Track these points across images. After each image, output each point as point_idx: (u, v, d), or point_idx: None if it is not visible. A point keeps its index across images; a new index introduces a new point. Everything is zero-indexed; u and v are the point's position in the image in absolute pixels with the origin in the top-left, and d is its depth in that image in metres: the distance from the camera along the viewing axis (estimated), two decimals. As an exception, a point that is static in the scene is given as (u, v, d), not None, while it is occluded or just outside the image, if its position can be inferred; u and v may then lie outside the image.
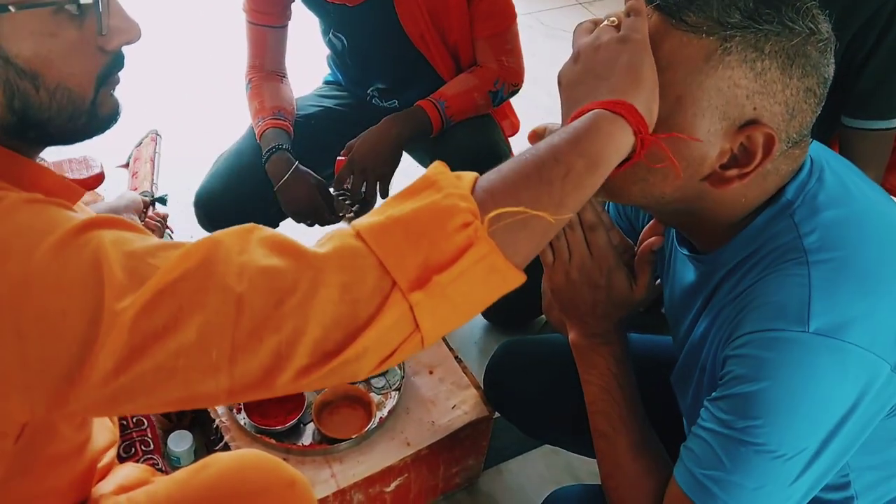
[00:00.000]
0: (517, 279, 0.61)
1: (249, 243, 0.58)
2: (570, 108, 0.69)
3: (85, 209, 1.05)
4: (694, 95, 0.70)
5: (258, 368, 0.56)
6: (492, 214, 0.58)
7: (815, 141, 0.82)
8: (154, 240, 0.60)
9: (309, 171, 1.52)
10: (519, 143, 1.64)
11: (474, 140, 1.52)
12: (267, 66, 1.62)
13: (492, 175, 0.62)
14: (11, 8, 0.60)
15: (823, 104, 0.74)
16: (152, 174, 1.38)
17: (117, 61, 0.70)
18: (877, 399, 0.70)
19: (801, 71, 0.69)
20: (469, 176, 0.62)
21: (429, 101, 1.51)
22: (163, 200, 1.35)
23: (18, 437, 0.66)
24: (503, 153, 1.54)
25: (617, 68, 0.67)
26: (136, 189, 1.33)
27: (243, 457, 0.89)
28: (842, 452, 0.72)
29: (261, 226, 0.61)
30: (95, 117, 0.70)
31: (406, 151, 1.71)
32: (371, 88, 1.66)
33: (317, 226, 1.61)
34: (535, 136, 0.85)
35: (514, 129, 1.73)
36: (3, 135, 0.66)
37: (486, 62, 1.55)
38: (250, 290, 0.55)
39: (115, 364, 0.55)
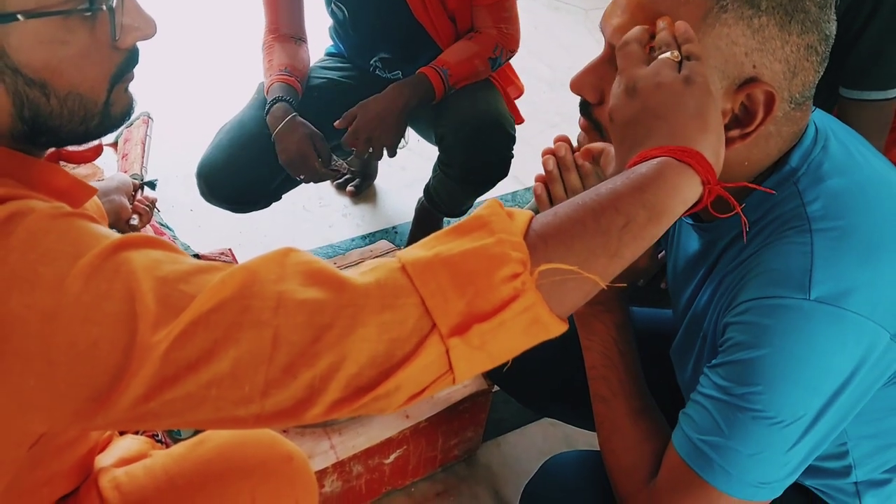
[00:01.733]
0: (560, 329, 0.59)
1: (286, 269, 0.56)
2: (627, 148, 0.65)
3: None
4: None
5: (290, 400, 0.55)
6: (542, 269, 0.56)
7: (819, 109, 0.81)
8: (185, 262, 0.58)
9: (306, 122, 1.51)
10: (523, 105, 1.64)
11: (477, 109, 1.51)
12: (283, 29, 1.61)
13: (548, 217, 0.60)
14: (20, 17, 0.58)
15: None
16: (142, 157, 1.37)
17: (132, 58, 0.68)
18: (875, 367, 0.70)
19: (800, 27, 0.68)
20: (523, 217, 0.60)
21: (431, 68, 1.50)
22: (152, 185, 1.34)
23: (34, 445, 0.65)
24: (506, 122, 1.53)
25: (681, 111, 0.63)
26: (126, 171, 1.32)
27: (241, 431, 0.88)
28: (839, 420, 0.72)
29: (296, 249, 0.59)
30: (108, 117, 0.67)
31: (412, 127, 1.70)
32: (374, 59, 1.65)
33: (319, 200, 1.60)
34: (589, 154, 0.84)
35: (520, 91, 1.72)
36: (13, 141, 0.63)
37: (485, 28, 1.54)
38: (286, 325, 0.54)
39: (145, 391, 0.54)
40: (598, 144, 0.83)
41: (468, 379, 0.59)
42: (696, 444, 0.75)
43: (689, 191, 0.61)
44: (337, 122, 1.49)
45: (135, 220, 1.22)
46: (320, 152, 1.49)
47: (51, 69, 0.61)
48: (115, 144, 1.44)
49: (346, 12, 1.58)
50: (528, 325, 0.57)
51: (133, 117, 1.49)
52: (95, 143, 1.41)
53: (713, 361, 0.76)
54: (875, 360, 0.70)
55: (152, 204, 1.30)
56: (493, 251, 0.56)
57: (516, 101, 1.72)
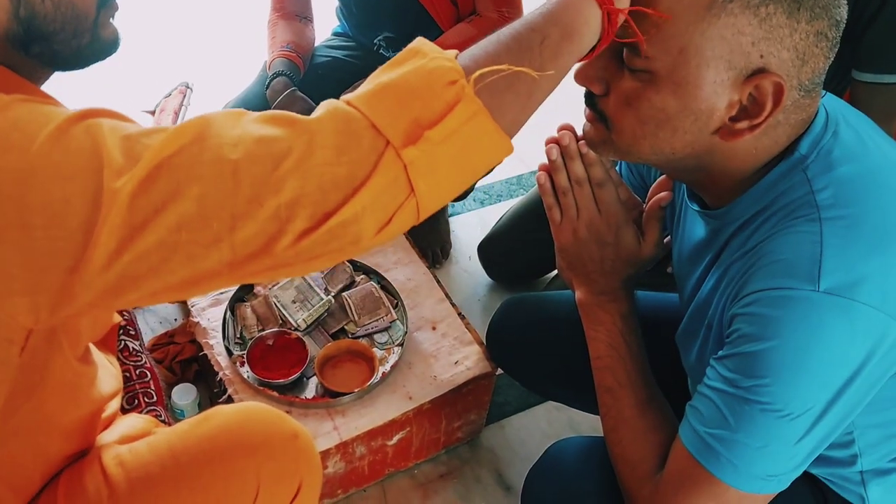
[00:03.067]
0: (506, 145, 0.63)
1: (241, 119, 0.59)
2: None
3: None
4: (697, 46, 0.68)
5: (258, 234, 0.57)
6: (476, 74, 0.60)
7: (829, 94, 0.80)
8: (148, 126, 0.60)
9: (305, 97, 1.51)
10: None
11: None
12: (288, 7, 1.61)
13: (472, 49, 0.65)
14: None
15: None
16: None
17: None
18: (885, 359, 0.69)
19: (809, 14, 0.67)
20: (451, 51, 0.64)
21: None
22: None
23: (24, 348, 0.67)
24: None
25: None
26: None
27: (246, 409, 0.89)
28: (848, 412, 0.72)
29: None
30: (98, 39, 0.69)
31: None
32: (378, 38, 1.63)
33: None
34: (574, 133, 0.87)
35: None
36: (8, 46, 0.65)
37: (486, 12, 1.53)
38: (246, 157, 0.56)
39: (117, 243, 0.55)
40: (586, 126, 0.82)
41: (432, 209, 0.62)
42: (702, 437, 0.74)
43: (589, 10, 0.66)
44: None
45: None
46: None
47: None
48: (153, 112, 1.43)
49: None
50: (477, 137, 0.61)
51: (172, 87, 1.48)
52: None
53: (720, 353, 0.75)
54: (885, 352, 0.69)
55: None
56: (429, 66, 0.61)
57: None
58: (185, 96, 1.42)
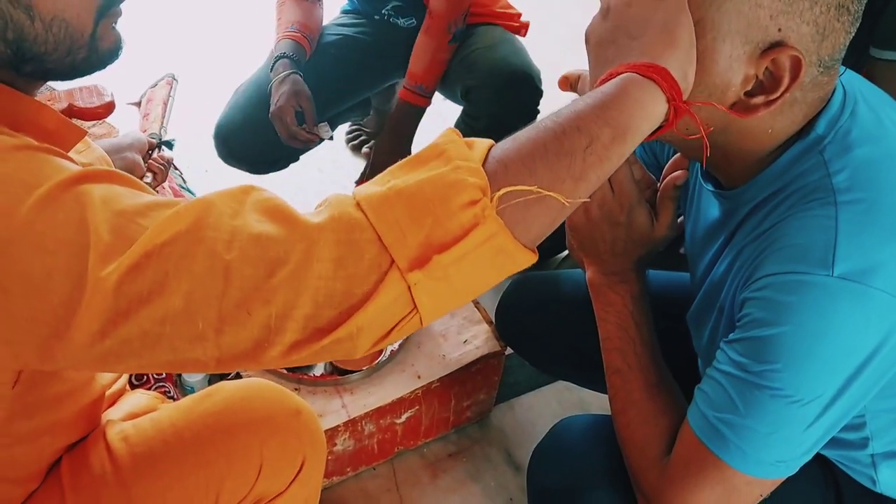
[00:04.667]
0: (528, 259, 0.57)
1: (244, 206, 0.55)
2: (599, 69, 0.63)
3: (91, 145, 1.04)
4: (713, 19, 0.65)
5: (247, 340, 0.54)
6: (501, 192, 0.54)
7: (849, 70, 0.78)
8: (147, 197, 0.56)
9: (299, 80, 1.49)
10: (541, 66, 1.61)
11: (506, 61, 1.49)
12: None
13: (507, 143, 0.57)
14: None
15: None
16: (163, 117, 1.36)
17: None
18: None
19: None
20: (482, 145, 0.57)
21: (407, 90, 1.53)
22: (169, 144, 1.33)
23: (15, 383, 0.65)
24: (535, 74, 1.52)
25: (650, 27, 0.61)
26: (145, 131, 1.31)
27: (249, 385, 0.89)
28: (859, 398, 0.70)
29: (258, 186, 0.58)
30: (96, 52, 0.66)
31: (438, 90, 1.67)
32: (386, 7, 1.62)
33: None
34: (566, 82, 0.81)
35: (526, 27, 1.70)
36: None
37: (436, 6, 1.50)
38: (240, 258, 0.53)
39: (99, 327, 0.53)
40: (575, 71, 0.80)
41: (437, 318, 0.57)
42: (711, 421, 0.73)
43: (653, 107, 0.58)
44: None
45: (148, 178, 1.22)
46: (303, 113, 1.48)
47: None
48: (138, 104, 1.43)
49: None
50: (494, 256, 0.55)
51: (158, 78, 1.48)
52: (107, 98, 1.41)
53: (731, 336, 0.74)
54: None
55: (168, 163, 1.29)
56: (449, 178, 0.54)
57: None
58: (171, 87, 1.41)
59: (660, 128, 0.60)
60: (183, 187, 1.52)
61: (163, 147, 1.30)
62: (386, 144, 1.54)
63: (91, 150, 1.04)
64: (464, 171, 0.55)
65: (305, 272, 0.53)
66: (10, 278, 0.52)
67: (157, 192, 1.32)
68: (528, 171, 0.55)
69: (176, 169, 1.51)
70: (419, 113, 1.55)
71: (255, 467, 0.83)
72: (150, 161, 1.24)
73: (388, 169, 0.58)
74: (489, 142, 0.58)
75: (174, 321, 0.53)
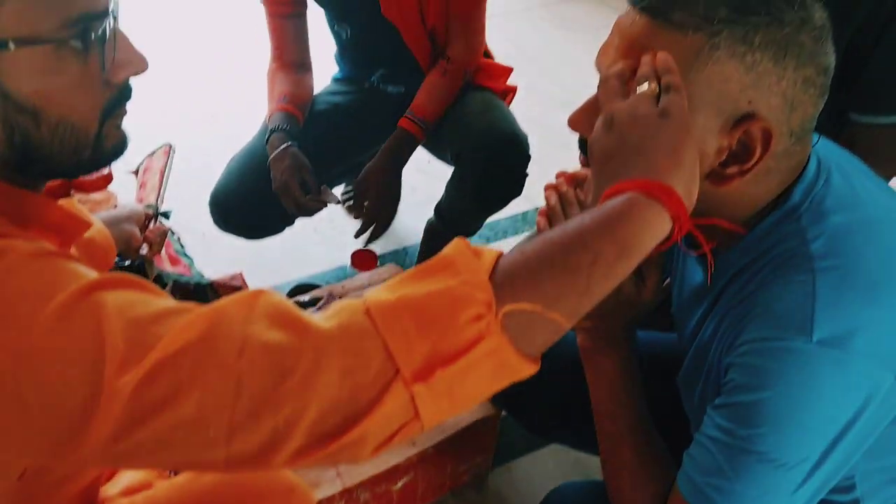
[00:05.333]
0: (530, 370, 0.58)
1: (254, 312, 0.57)
2: (603, 181, 0.64)
3: (90, 216, 1.06)
4: (686, 92, 0.68)
5: (255, 446, 0.55)
6: (506, 310, 0.56)
7: (823, 138, 0.80)
8: (160, 303, 0.58)
9: (297, 153, 1.52)
10: (534, 125, 1.64)
11: (494, 126, 1.53)
12: (286, 57, 1.63)
13: (515, 255, 0.59)
14: (11, 44, 0.59)
15: (829, 98, 0.72)
16: (160, 187, 1.38)
17: (124, 93, 0.68)
18: (880, 408, 0.69)
19: (795, 61, 0.67)
20: (489, 257, 0.59)
21: (408, 119, 1.55)
22: (166, 215, 1.35)
23: (22, 475, 0.66)
24: (523, 140, 1.55)
25: (656, 145, 0.63)
26: (141, 200, 1.33)
27: None
28: (845, 460, 0.71)
29: (267, 290, 0.59)
30: (100, 151, 0.68)
31: (425, 147, 1.71)
32: (375, 75, 1.67)
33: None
34: (573, 180, 0.83)
35: (514, 93, 1.75)
36: (5, 170, 0.64)
37: (455, 39, 1.56)
38: (250, 368, 0.54)
39: (113, 432, 0.54)
40: (582, 171, 0.82)
41: (438, 424, 0.58)
42: (699, 486, 0.74)
43: (658, 226, 0.60)
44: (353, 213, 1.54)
45: (144, 250, 1.23)
46: (307, 183, 1.51)
47: (42, 97, 0.61)
48: (136, 172, 1.45)
49: (348, 32, 1.61)
50: (496, 369, 0.56)
51: (155, 147, 1.51)
52: (105, 171, 1.43)
53: (716, 402, 0.75)
54: (880, 402, 0.68)
55: (164, 234, 1.31)
56: (457, 293, 0.56)
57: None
58: (168, 157, 1.44)
59: (664, 241, 0.62)
60: (180, 252, 1.53)
61: (159, 218, 1.33)
62: (378, 167, 1.55)
63: (93, 272, 1.06)
64: (471, 285, 0.56)
65: (314, 381, 0.54)
66: (27, 389, 0.54)
67: (154, 261, 1.34)
68: (534, 285, 0.57)
69: (173, 234, 1.53)
70: (415, 143, 1.57)
71: None
72: (147, 232, 1.26)
73: (399, 276, 0.60)
74: (497, 252, 0.60)
75: (186, 428, 0.54)
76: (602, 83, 0.70)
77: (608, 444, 0.90)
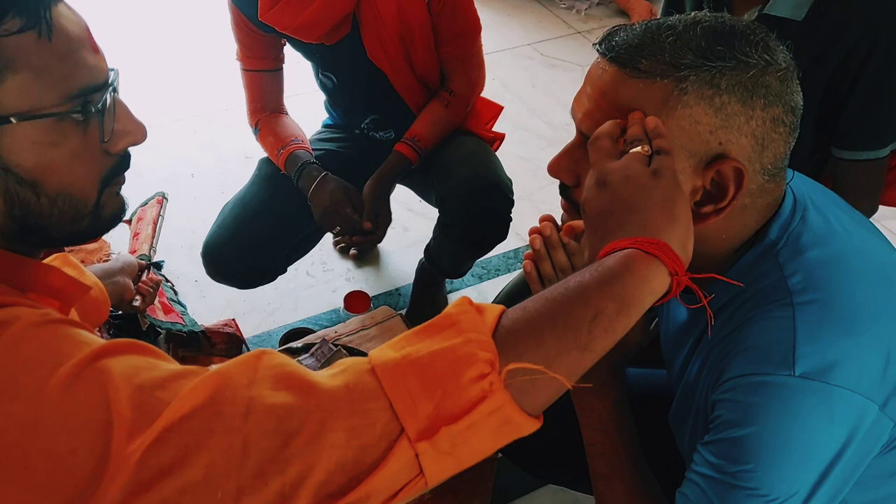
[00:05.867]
0: (533, 427, 0.59)
1: (257, 373, 0.57)
2: (599, 238, 0.66)
3: (84, 272, 1.07)
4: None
5: None
6: (509, 368, 0.57)
7: (799, 174, 0.82)
8: (165, 368, 0.58)
9: (339, 179, 1.56)
10: (523, 163, 1.67)
11: (476, 173, 1.54)
12: (268, 108, 1.65)
13: (517, 313, 0.60)
14: (13, 119, 0.60)
15: (811, 136, 0.74)
16: (152, 237, 1.39)
17: (123, 162, 0.69)
18: (866, 439, 0.69)
19: (763, 101, 0.69)
20: (492, 313, 0.60)
21: (406, 145, 1.58)
22: (158, 266, 1.36)
23: None
24: (505, 185, 1.56)
25: (650, 203, 0.65)
26: (134, 251, 1.34)
27: None
28: (835, 493, 0.71)
29: (270, 351, 0.60)
30: (98, 219, 0.68)
31: (409, 187, 1.72)
32: (365, 122, 1.69)
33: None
34: (571, 232, 0.85)
35: (501, 138, 1.77)
36: (4, 240, 0.65)
37: (455, 75, 1.59)
38: (256, 430, 0.55)
39: (121, 498, 0.54)
40: (579, 222, 0.83)
41: (442, 481, 0.59)
42: None
43: (657, 282, 0.62)
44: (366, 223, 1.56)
45: (137, 301, 1.24)
46: (354, 204, 1.54)
47: (42, 169, 0.62)
48: (129, 221, 1.47)
49: (334, 80, 1.63)
50: (499, 426, 0.57)
51: (148, 197, 1.53)
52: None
53: (705, 438, 0.75)
54: (866, 433, 0.69)
55: (157, 285, 1.31)
56: (460, 352, 0.57)
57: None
58: (161, 206, 1.45)
59: (663, 296, 0.63)
60: (174, 300, 1.54)
61: (152, 268, 1.33)
62: (378, 186, 1.57)
63: (85, 277, 1.07)
64: (474, 344, 0.57)
65: (319, 442, 0.55)
66: (35, 457, 0.54)
67: (147, 312, 1.34)
68: (536, 342, 0.58)
69: (167, 282, 1.53)
70: (409, 167, 1.58)
71: None
72: (140, 284, 1.27)
73: (404, 334, 0.61)
74: (500, 308, 0.61)
75: (194, 491, 0.54)
76: (593, 143, 0.71)
77: (601, 485, 0.90)
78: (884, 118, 1.20)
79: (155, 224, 1.42)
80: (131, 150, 0.71)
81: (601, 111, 0.73)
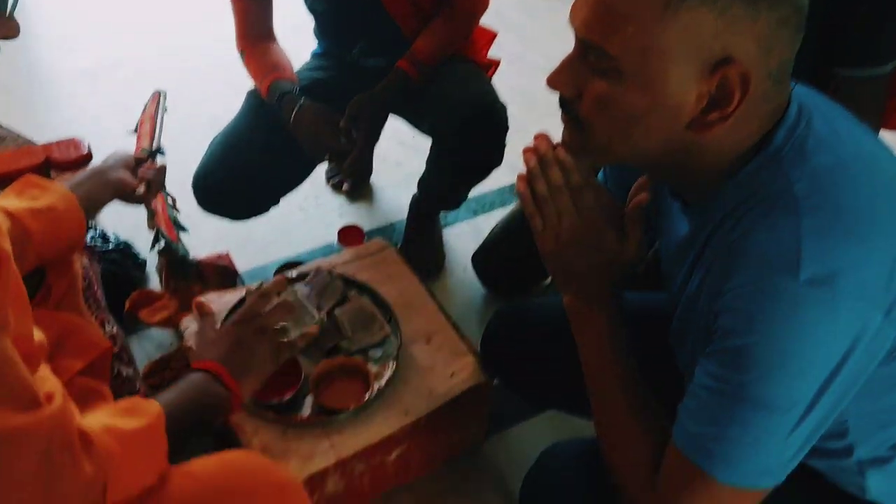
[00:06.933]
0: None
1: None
2: None
3: (51, 186, 1.04)
4: (659, 44, 0.68)
5: None
6: None
7: (803, 85, 0.80)
8: None
9: (315, 104, 1.52)
10: (517, 95, 1.63)
11: (470, 96, 1.50)
12: (256, 32, 1.61)
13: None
14: None
15: (813, 54, 0.71)
16: (152, 131, 1.36)
17: None
18: (870, 347, 0.69)
19: (768, 2, 0.67)
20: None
21: (408, 62, 1.53)
22: (157, 153, 1.33)
23: None
24: (499, 109, 1.53)
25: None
26: (139, 150, 1.32)
27: (232, 460, 0.86)
28: (837, 402, 0.71)
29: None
30: None
31: (401, 116, 1.69)
32: (355, 49, 1.64)
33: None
34: (566, 148, 0.85)
35: (496, 64, 1.73)
36: None
37: (463, 3, 1.54)
38: None
39: None
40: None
41: None
42: (694, 436, 0.74)
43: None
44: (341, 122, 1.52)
45: (141, 189, 1.21)
46: (335, 129, 1.51)
47: None
48: (136, 130, 1.42)
49: (324, 4, 1.58)
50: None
51: (146, 101, 1.49)
52: (84, 150, 1.41)
53: (707, 350, 0.74)
54: (869, 340, 0.68)
55: (161, 171, 1.27)
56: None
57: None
58: (158, 102, 1.41)
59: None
60: (175, 221, 1.50)
61: (151, 160, 1.30)
62: (372, 99, 1.53)
63: (49, 192, 1.04)
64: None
65: None
66: None
67: (153, 208, 1.32)
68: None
69: (170, 196, 1.50)
70: (409, 85, 1.54)
71: None
72: (140, 172, 1.23)
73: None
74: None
75: None
76: None
77: (599, 402, 0.90)
78: (887, 33, 1.18)
79: (154, 119, 1.38)
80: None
81: (600, 19, 0.71)
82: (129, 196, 1.20)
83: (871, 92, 1.23)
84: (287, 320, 1.14)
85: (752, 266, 0.70)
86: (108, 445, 0.73)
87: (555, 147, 0.88)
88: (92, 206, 1.13)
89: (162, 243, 1.40)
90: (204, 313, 1.25)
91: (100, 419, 0.77)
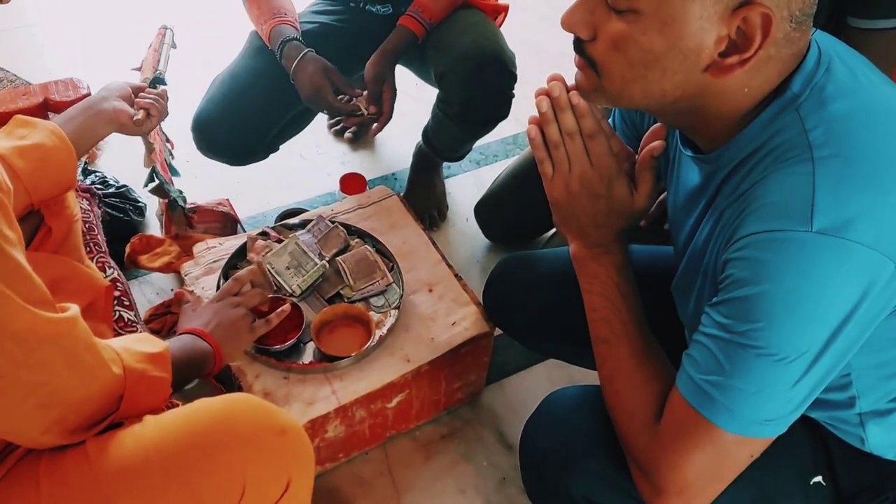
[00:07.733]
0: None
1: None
2: None
3: (38, 124, 1.01)
4: None
5: None
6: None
7: (824, 31, 0.77)
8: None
9: (320, 56, 1.50)
10: (523, 45, 1.60)
11: (478, 45, 1.47)
12: None
13: None
14: None
15: (826, 4, 0.69)
16: (154, 62, 1.32)
17: None
18: (880, 298, 0.68)
19: None
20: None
21: (411, 17, 1.52)
22: (158, 81, 1.30)
23: None
24: (508, 58, 1.50)
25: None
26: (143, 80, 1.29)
27: (234, 403, 0.86)
28: (843, 353, 0.71)
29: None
30: None
31: (406, 66, 1.66)
32: None
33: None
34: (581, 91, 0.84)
35: (505, 10, 1.69)
36: None
37: None
38: None
39: None
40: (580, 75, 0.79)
41: None
42: (698, 384, 0.74)
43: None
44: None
45: (139, 115, 1.17)
46: (336, 84, 1.49)
47: None
48: (140, 68, 1.40)
49: None
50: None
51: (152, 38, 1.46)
52: (83, 91, 1.38)
53: (714, 299, 0.74)
54: (879, 291, 0.67)
55: (161, 96, 1.23)
56: None
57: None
58: (162, 36, 1.38)
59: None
60: (170, 165, 1.48)
61: (157, 85, 1.28)
62: (382, 62, 1.52)
63: (37, 130, 1.01)
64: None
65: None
66: None
67: (151, 141, 1.31)
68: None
69: (168, 142, 1.48)
70: (414, 41, 1.53)
71: (237, 488, 0.80)
72: (139, 99, 1.20)
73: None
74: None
75: None
76: None
77: (604, 349, 0.89)
78: None
79: (156, 51, 1.35)
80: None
81: None
82: (127, 127, 1.16)
83: (884, 45, 1.20)
84: (262, 303, 1.24)
85: (765, 215, 0.69)
86: (126, 360, 0.81)
87: (568, 91, 0.86)
88: (85, 141, 1.11)
89: (156, 181, 1.38)
90: (187, 300, 1.26)
91: (118, 342, 0.84)
